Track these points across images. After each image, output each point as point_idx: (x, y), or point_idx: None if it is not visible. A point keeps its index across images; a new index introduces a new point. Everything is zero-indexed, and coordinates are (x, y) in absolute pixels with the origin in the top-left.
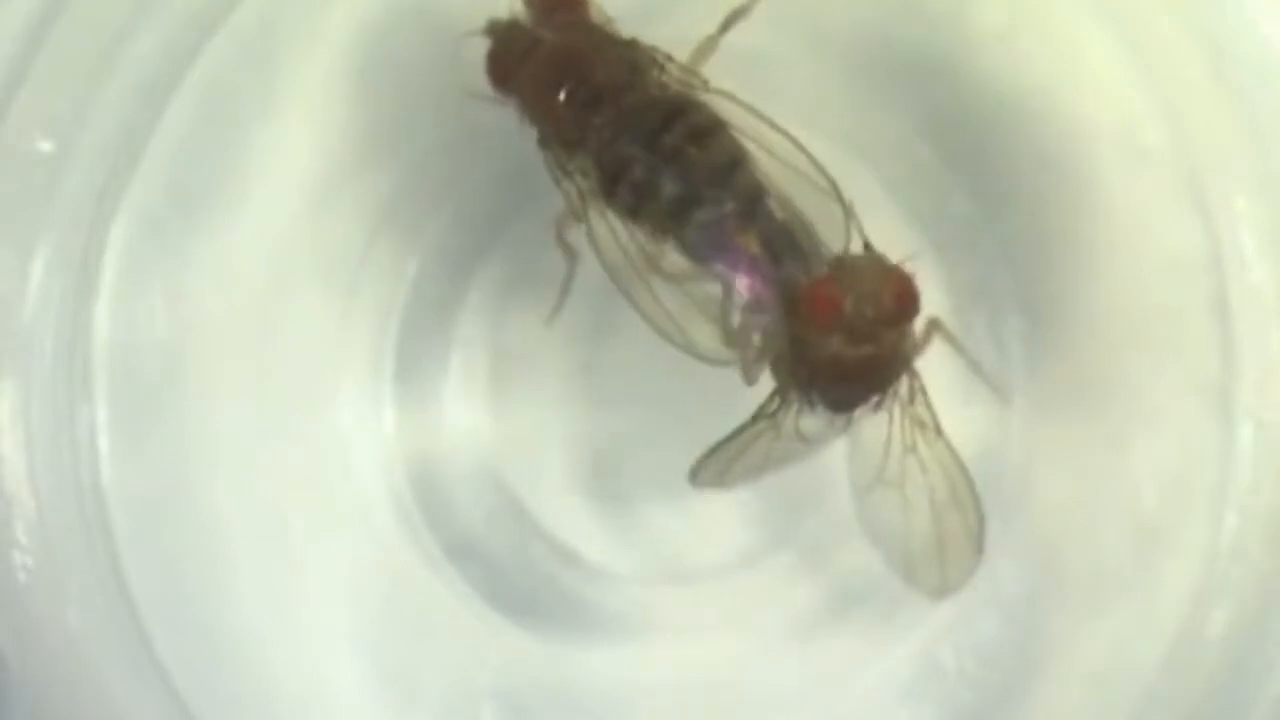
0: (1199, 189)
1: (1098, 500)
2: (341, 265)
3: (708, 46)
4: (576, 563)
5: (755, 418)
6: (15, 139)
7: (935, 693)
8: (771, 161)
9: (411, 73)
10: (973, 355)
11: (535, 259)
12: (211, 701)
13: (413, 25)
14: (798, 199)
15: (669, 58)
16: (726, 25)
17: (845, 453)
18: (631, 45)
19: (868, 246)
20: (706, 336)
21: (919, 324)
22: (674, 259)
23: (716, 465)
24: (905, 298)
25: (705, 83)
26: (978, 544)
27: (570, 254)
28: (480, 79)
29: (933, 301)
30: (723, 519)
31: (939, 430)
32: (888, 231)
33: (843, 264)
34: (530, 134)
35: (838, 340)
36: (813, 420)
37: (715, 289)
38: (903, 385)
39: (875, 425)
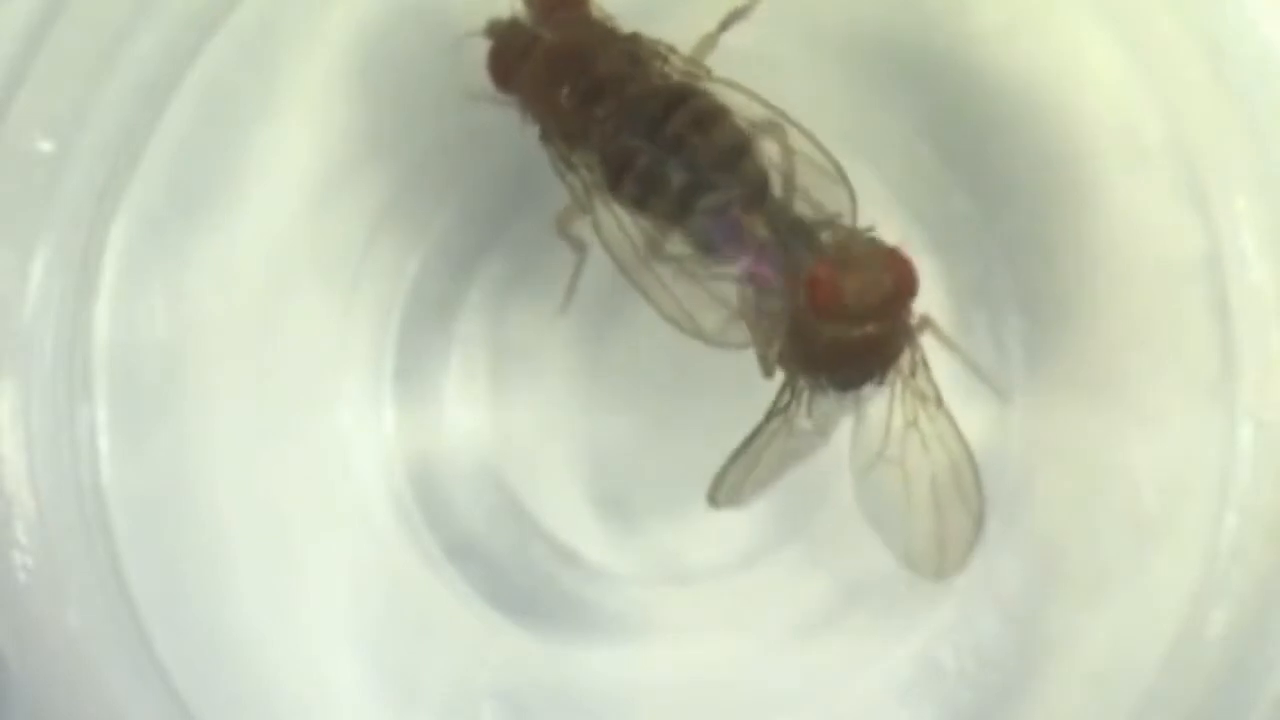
0: (1199, 189)
1: (1098, 500)
2: (341, 265)
3: (707, 44)
4: (576, 563)
5: (768, 418)
6: (15, 139)
7: (935, 693)
8: (776, 146)
9: (411, 72)
10: (966, 352)
11: (536, 258)
12: (211, 701)
13: (413, 25)
14: (803, 182)
15: (671, 49)
16: (726, 23)
17: (849, 440)
18: (632, 39)
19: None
20: (714, 322)
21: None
22: (681, 248)
23: (734, 479)
24: (904, 278)
25: (708, 71)
26: (977, 524)
27: (577, 246)
28: (480, 79)
29: (933, 301)
30: (723, 519)
31: (940, 402)
32: (888, 231)
33: (839, 248)
34: (531, 132)
35: (840, 323)
36: (823, 404)
37: (723, 276)
38: (904, 358)
39: (877, 401)
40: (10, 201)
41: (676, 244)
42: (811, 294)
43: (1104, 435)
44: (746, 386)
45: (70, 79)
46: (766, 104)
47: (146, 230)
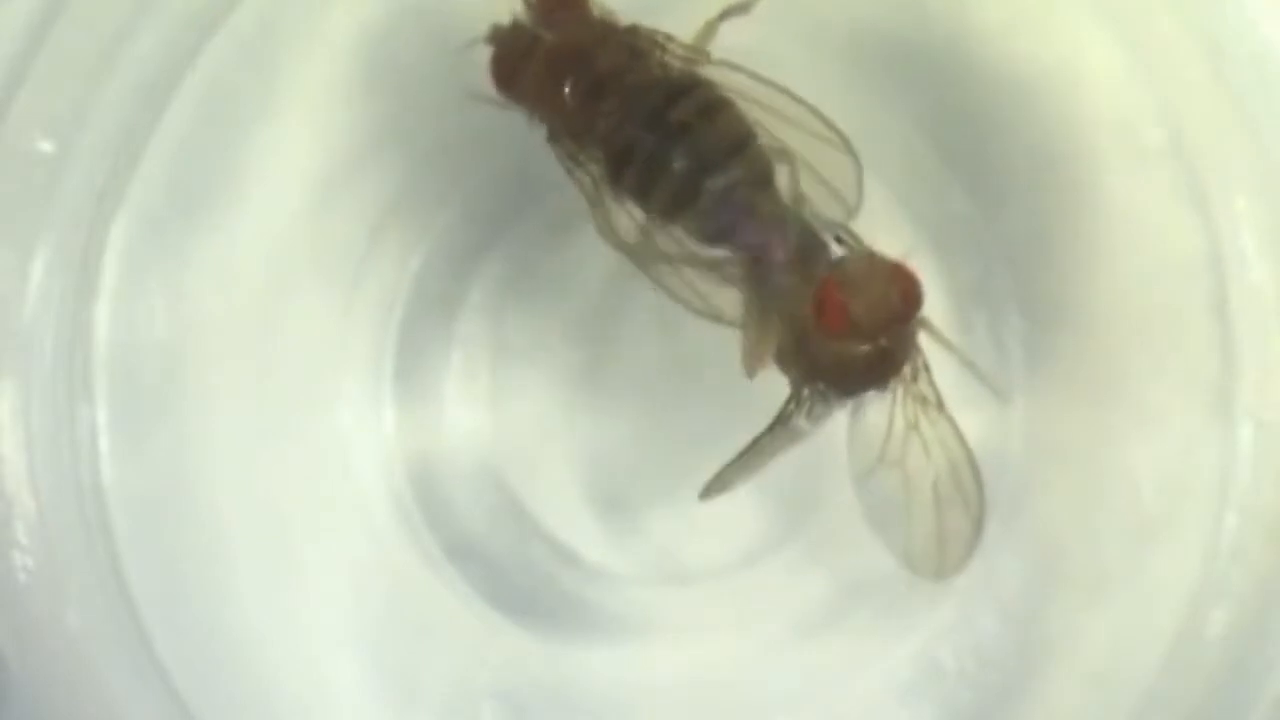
0: (1199, 189)
1: (1098, 500)
2: (342, 265)
3: (707, 32)
4: (576, 563)
5: (772, 427)
6: (15, 139)
7: (935, 693)
8: (779, 124)
9: (412, 73)
10: (964, 352)
11: (536, 258)
12: (211, 701)
13: (413, 25)
14: (809, 157)
15: (669, 37)
16: (726, 14)
17: (846, 442)
18: (631, 31)
19: (853, 241)
20: (729, 302)
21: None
22: (684, 238)
23: (731, 479)
24: (911, 294)
25: (708, 55)
26: (977, 526)
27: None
28: (481, 79)
29: (933, 301)
30: (723, 519)
31: (941, 406)
32: (888, 231)
33: (842, 267)
34: (533, 133)
35: (849, 341)
36: (822, 407)
37: (728, 263)
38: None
39: (878, 404)
40: (10, 201)
41: (680, 234)
42: (820, 314)
43: (1104, 435)
44: (746, 387)
45: (70, 79)
46: (767, 81)
47: (146, 230)
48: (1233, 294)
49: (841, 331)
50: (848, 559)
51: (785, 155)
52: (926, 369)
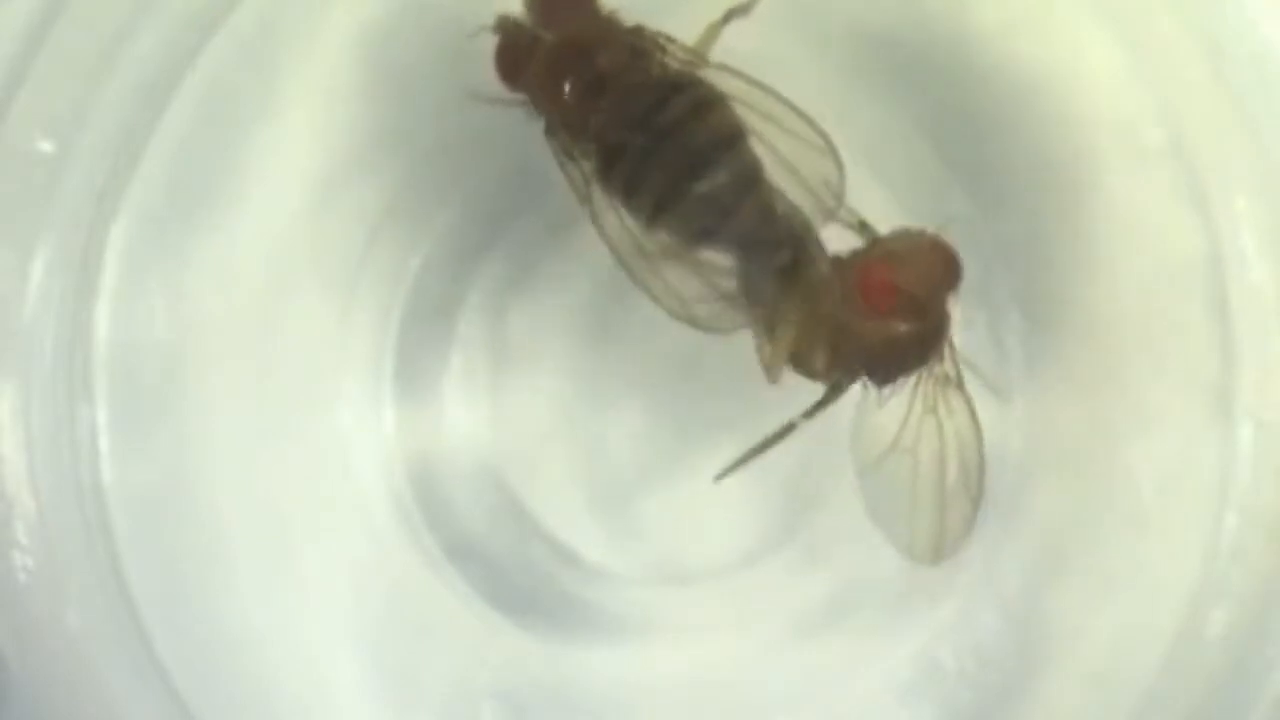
0: (1199, 189)
1: (1098, 500)
2: (342, 265)
3: (709, 35)
4: (576, 563)
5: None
6: (15, 139)
7: (935, 693)
8: (767, 124)
9: (412, 73)
10: (964, 352)
11: (536, 258)
12: (211, 701)
13: (413, 25)
14: (792, 159)
15: (669, 39)
16: (729, 17)
17: (852, 431)
18: (635, 31)
19: (864, 225)
20: (706, 308)
21: None
22: (671, 237)
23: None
24: (952, 263)
25: (704, 58)
26: (976, 507)
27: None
28: (482, 78)
29: None
30: (723, 519)
31: (961, 385)
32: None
33: (880, 244)
34: (534, 133)
35: (897, 320)
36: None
37: (717, 266)
38: None
39: (899, 390)
40: (10, 201)
41: (667, 233)
42: (866, 293)
43: (1104, 435)
44: (746, 386)
45: (70, 79)
46: (758, 84)
47: (146, 230)
48: (1233, 294)
49: (889, 306)
50: (848, 559)
51: (770, 157)
52: (951, 346)
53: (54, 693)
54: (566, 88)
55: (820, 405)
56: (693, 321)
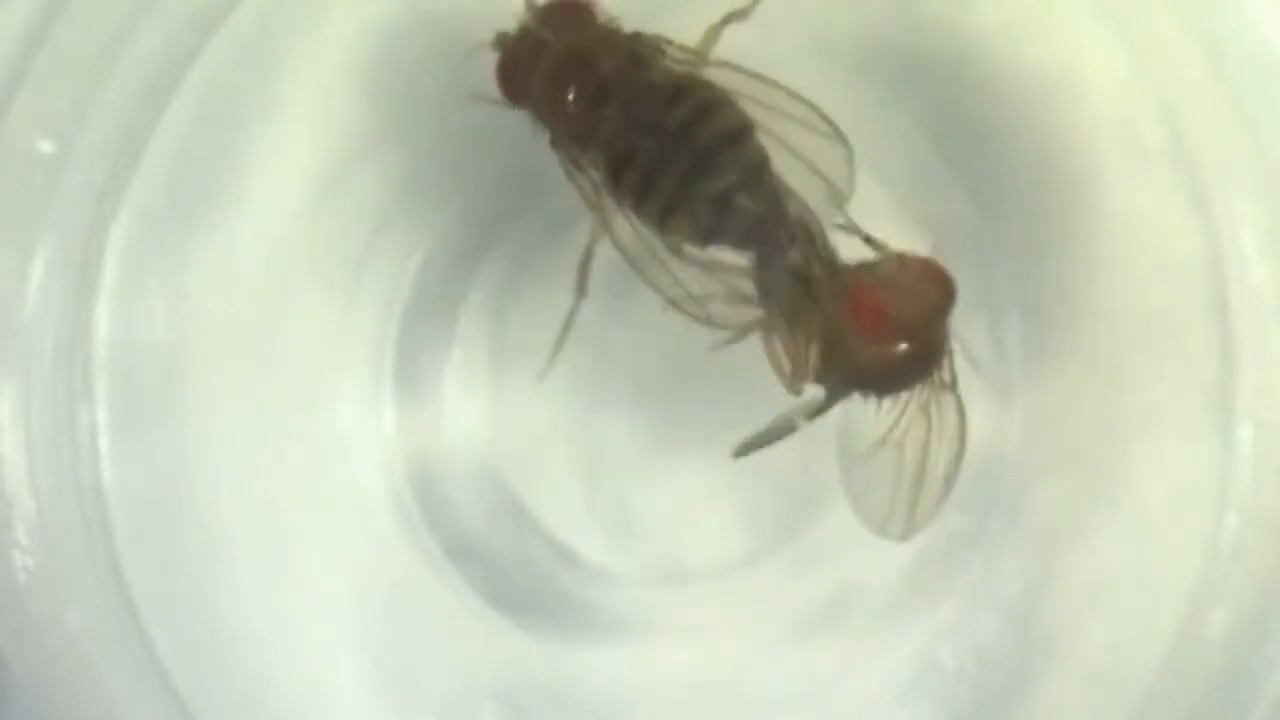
0: (1199, 189)
1: (1098, 500)
2: (342, 265)
3: (709, 38)
4: (576, 563)
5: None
6: (15, 139)
7: (935, 693)
8: (773, 117)
9: (411, 72)
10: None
11: (536, 258)
12: (211, 701)
13: (413, 25)
14: (802, 149)
15: (668, 41)
16: (728, 19)
17: (841, 422)
18: (634, 38)
19: (870, 240)
20: (721, 307)
21: None
22: (683, 240)
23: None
24: (946, 287)
25: (704, 57)
26: (949, 488)
27: (582, 291)
28: (482, 78)
29: None
30: (723, 519)
31: (955, 386)
32: (888, 232)
33: (872, 272)
34: (534, 132)
35: (891, 346)
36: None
37: (728, 267)
38: None
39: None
40: (10, 201)
41: (679, 234)
42: (859, 320)
43: (1104, 435)
44: (746, 386)
45: (70, 79)
46: (761, 78)
47: (146, 230)
48: (1233, 294)
49: (884, 335)
50: (848, 559)
51: (779, 149)
52: (950, 352)
53: (54, 693)
54: (570, 99)
55: (822, 409)
56: (708, 320)
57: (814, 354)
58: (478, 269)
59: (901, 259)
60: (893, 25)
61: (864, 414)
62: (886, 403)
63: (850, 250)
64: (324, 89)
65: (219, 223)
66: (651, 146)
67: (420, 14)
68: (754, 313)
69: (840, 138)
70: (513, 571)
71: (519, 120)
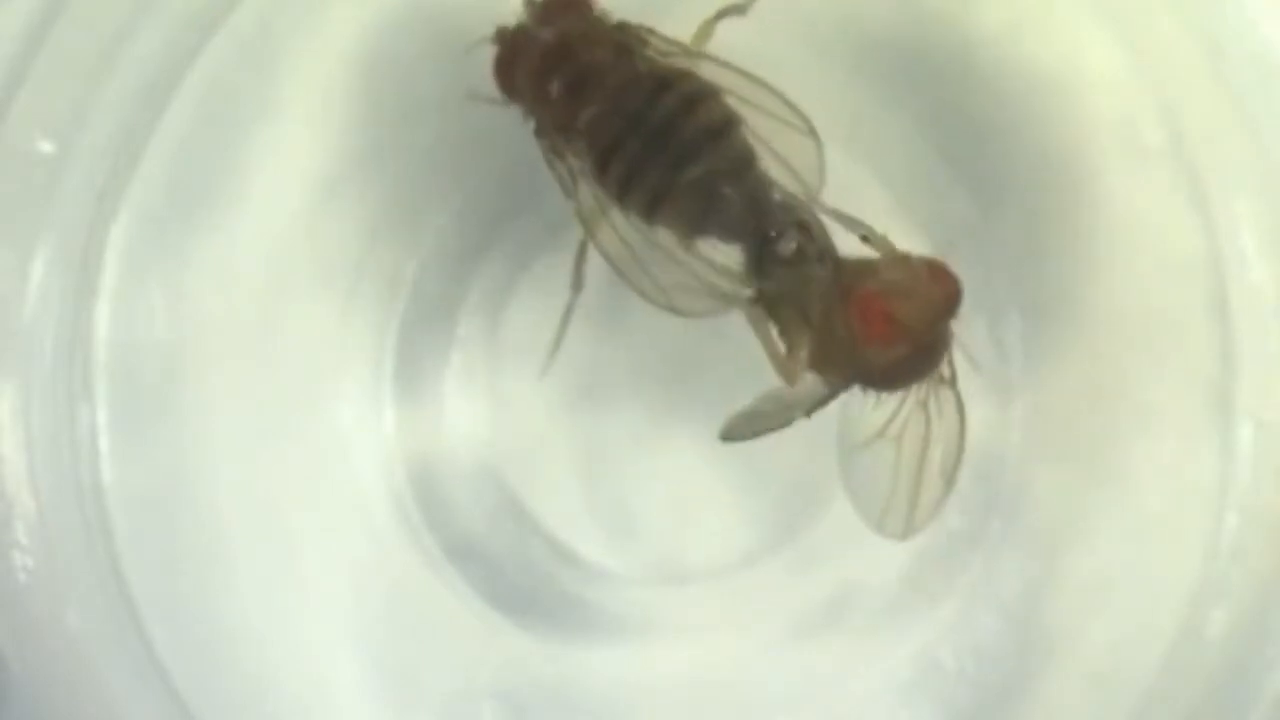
0: (1199, 189)
1: (1098, 500)
2: (341, 265)
3: (703, 33)
4: (576, 563)
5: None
6: (15, 139)
7: (935, 693)
8: (744, 108)
9: (411, 72)
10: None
11: (536, 258)
12: (211, 701)
13: (413, 25)
14: (773, 141)
15: (651, 32)
16: (721, 14)
17: (841, 411)
18: (619, 29)
19: (867, 238)
20: (686, 297)
21: None
22: (668, 234)
23: (744, 431)
24: (953, 291)
25: (686, 48)
26: (949, 488)
27: (578, 285)
28: (481, 79)
29: None
30: (723, 519)
31: (954, 382)
32: (887, 232)
33: (878, 273)
34: (525, 124)
35: (894, 349)
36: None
37: (697, 254)
38: None
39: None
40: (10, 201)
41: (667, 227)
42: (865, 324)
43: (1104, 435)
44: (746, 386)
45: (70, 79)
46: (736, 69)
47: (146, 230)
48: (1233, 294)
49: (890, 339)
50: (848, 559)
51: (753, 138)
52: (950, 348)
53: (54, 693)
54: (553, 88)
55: (820, 403)
56: (672, 308)
57: (811, 348)
58: (477, 269)
59: (908, 260)
60: (893, 25)
61: (863, 404)
62: (887, 397)
63: (846, 245)
64: (324, 89)
65: (219, 223)
66: (636, 138)
67: (420, 14)
68: (717, 304)
69: (810, 130)
70: (513, 571)
71: (519, 121)
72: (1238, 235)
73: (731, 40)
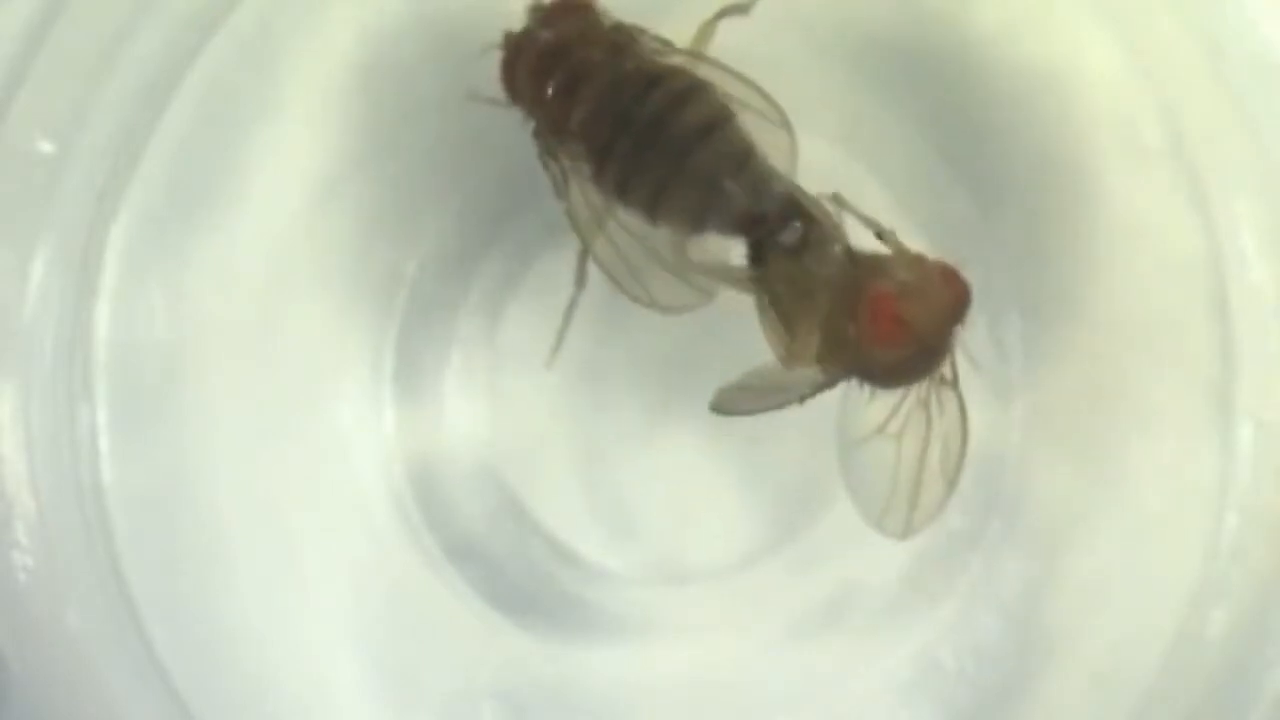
0: (1199, 189)
1: (1098, 500)
2: (341, 265)
3: (705, 33)
4: (576, 563)
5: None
6: (15, 139)
7: (935, 693)
8: (732, 105)
9: (411, 73)
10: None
11: (536, 258)
12: (211, 701)
13: (413, 25)
14: (754, 134)
15: (640, 30)
16: (721, 14)
17: (840, 407)
18: (615, 29)
19: (881, 235)
20: (663, 289)
21: None
22: (667, 233)
23: (734, 405)
24: (963, 297)
25: (673, 46)
26: (951, 489)
27: (582, 282)
28: (482, 79)
29: None
30: (723, 519)
31: (956, 383)
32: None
33: (889, 273)
34: (524, 126)
35: (901, 351)
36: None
37: (713, 264)
38: None
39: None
40: (10, 201)
41: (669, 225)
42: (876, 326)
43: (1104, 435)
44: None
45: (70, 79)
46: (722, 65)
47: (146, 230)
48: (1233, 294)
49: (899, 341)
50: (848, 559)
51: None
52: (951, 349)
53: (54, 693)
54: (548, 87)
55: (819, 388)
56: (652, 304)
57: (814, 339)
58: (477, 269)
59: (922, 262)
60: (893, 25)
61: (863, 398)
62: (887, 395)
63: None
64: (324, 89)
65: (219, 223)
66: (628, 136)
67: (420, 14)
68: (700, 296)
69: (784, 122)
70: (513, 571)
71: (519, 121)
72: (1238, 235)
73: (732, 41)
